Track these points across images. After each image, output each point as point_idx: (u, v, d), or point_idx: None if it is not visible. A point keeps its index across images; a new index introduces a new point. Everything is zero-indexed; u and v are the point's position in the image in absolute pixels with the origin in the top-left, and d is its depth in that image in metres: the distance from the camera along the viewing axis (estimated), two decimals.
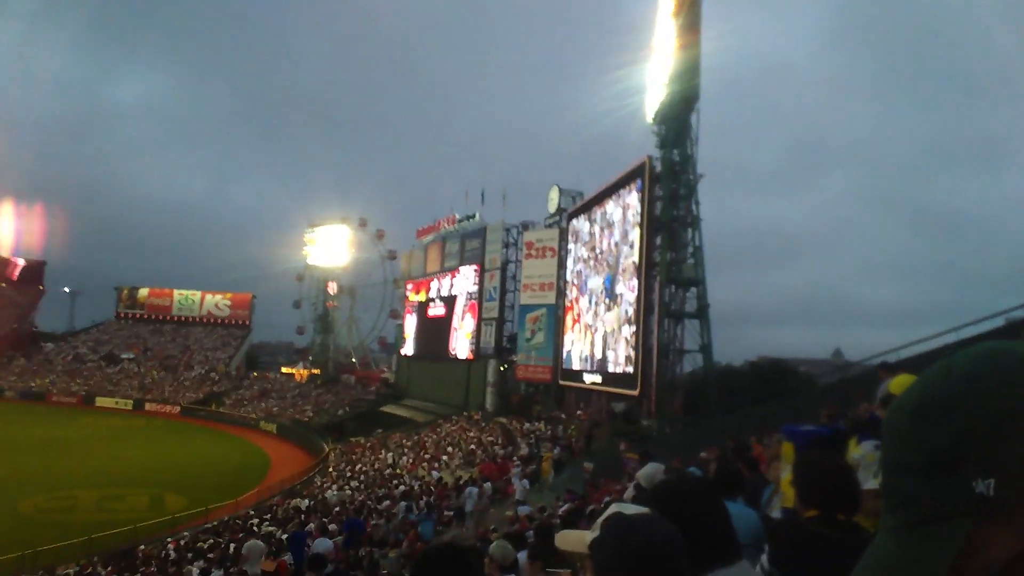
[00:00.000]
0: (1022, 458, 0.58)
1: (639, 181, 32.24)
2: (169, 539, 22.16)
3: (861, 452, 3.18)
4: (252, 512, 26.16)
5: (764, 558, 2.58)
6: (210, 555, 17.26)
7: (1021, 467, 0.58)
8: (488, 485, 21.08)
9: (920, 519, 0.62)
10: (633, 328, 31.36)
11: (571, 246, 40.11)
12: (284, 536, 17.67)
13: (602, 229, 35.77)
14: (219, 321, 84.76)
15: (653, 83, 33.42)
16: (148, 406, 62.08)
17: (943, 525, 0.60)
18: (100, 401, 62.75)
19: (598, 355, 34.87)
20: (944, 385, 0.64)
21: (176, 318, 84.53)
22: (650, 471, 5.51)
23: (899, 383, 3.53)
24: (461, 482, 24.92)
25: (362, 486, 29.14)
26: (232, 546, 17.46)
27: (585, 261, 37.81)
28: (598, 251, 36.14)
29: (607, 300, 34.17)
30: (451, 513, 19.01)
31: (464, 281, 50.82)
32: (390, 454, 37.78)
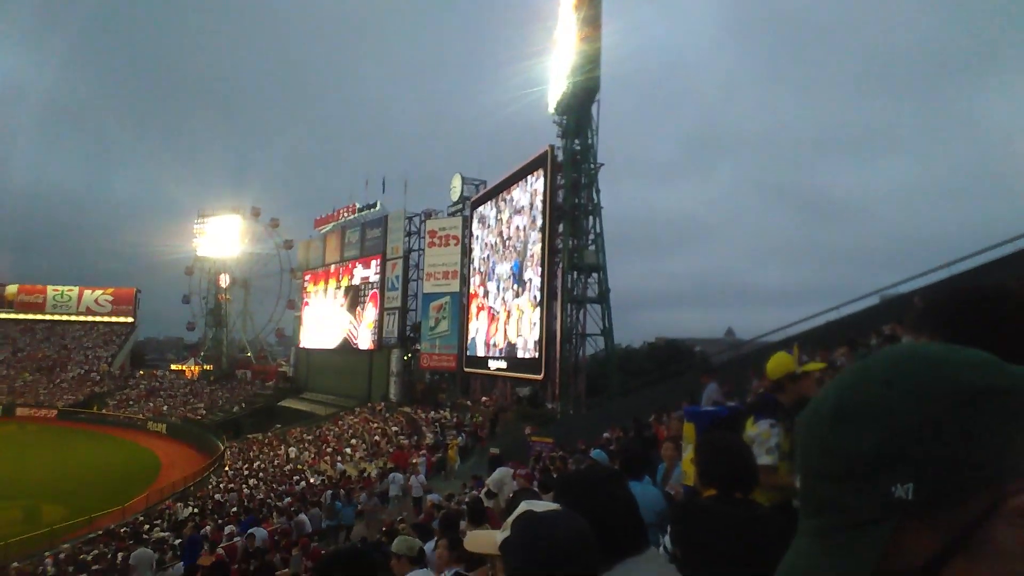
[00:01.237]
0: (938, 461, 0.59)
1: (542, 170, 32.66)
2: (47, 553, 20.56)
3: (757, 430, 3.31)
4: (141, 518, 24.71)
5: (666, 538, 2.64)
6: (95, 567, 16.21)
7: (938, 470, 0.59)
8: (399, 475, 20.98)
9: (840, 524, 0.62)
10: (540, 313, 31.82)
11: (477, 232, 40.02)
12: (178, 541, 16.82)
13: (510, 216, 35.84)
14: (100, 318, 79.15)
15: (555, 75, 33.86)
16: (20, 411, 57.30)
17: (864, 531, 0.60)
18: None
19: (506, 341, 35.07)
20: (860, 390, 0.64)
21: (51, 316, 78.28)
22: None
23: (777, 360, 3.65)
24: (366, 474, 24.56)
25: (261, 484, 28.15)
26: (120, 556, 16.49)
27: (492, 247, 37.78)
28: (505, 236, 36.16)
29: (515, 286, 34.36)
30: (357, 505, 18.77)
31: (365, 271, 49.87)
32: (291, 449, 36.68)
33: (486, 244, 38.80)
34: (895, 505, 0.59)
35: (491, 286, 37.64)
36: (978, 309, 1.18)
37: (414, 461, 23.44)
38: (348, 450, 32.70)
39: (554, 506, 1.38)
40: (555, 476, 8.87)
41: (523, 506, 1.34)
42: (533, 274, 32.82)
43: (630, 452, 4.77)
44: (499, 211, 37.37)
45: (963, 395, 0.60)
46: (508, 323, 34.93)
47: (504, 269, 36.00)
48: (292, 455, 35.10)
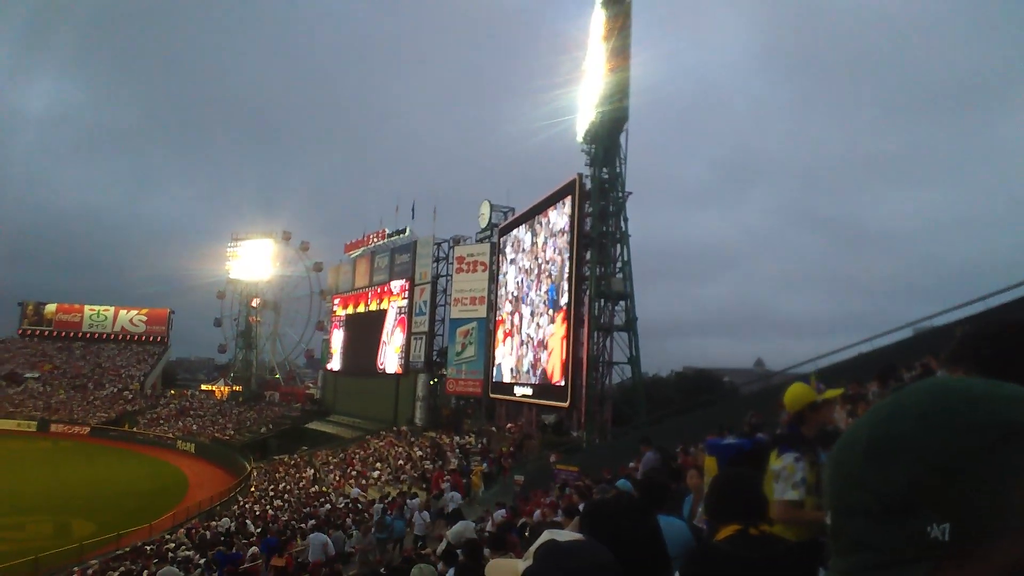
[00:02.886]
0: (977, 502, 0.56)
1: (569, 197, 32.64)
2: (75, 568, 20.82)
3: (782, 464, 3.26)
4: (168, 536, 24.90)
5: None
6: None
7: (976, 511, 0.56)
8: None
9: (873, 565, 0.59)
10: (567, 340, 31.44)
11: (511, 256, 39.55)
12: (203, 561, 16.92)
13: (545, 240, 35.27)
14: (134, 338, 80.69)
15: (584, 104, 34.09)
16: (54, 427, 58.57)
17: (897, 572, 0.57)
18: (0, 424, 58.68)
19: (539, 366, 34.49)
20: (894, 424, 0.62)
21: (87, 335, 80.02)
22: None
23: (795, 391, 3.56)
24: (389, 498, 24.50)
25: (286, 506, 28.23)
26: (146, 573, 16.62)
27: (527, 271, 37.10)
28: (541, 261, 35.53)
29: (551, 311, 33.73)
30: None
31: (393, 295, 50.25)
32: (315, 472, 36.78)
33: (520, 268, 38.12)
34: (930, 546, 0.56)
35: (525, 310, 36.96)
36: (1013, 343, 1.16)
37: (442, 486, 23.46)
38: (375, 473, 32.68)
39: (577, 536, 1.40)
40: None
41: (546, 535, 1.35)
42: (568, 299, 32.41)
43: (652, 481, 4.64)
44: (535, 235, 36.70)
45: (1000, 431, 0.57)
46: (541, 348, 34.46)
47: (539, 294, 35.46)
48: (316, 477, 35.22)
